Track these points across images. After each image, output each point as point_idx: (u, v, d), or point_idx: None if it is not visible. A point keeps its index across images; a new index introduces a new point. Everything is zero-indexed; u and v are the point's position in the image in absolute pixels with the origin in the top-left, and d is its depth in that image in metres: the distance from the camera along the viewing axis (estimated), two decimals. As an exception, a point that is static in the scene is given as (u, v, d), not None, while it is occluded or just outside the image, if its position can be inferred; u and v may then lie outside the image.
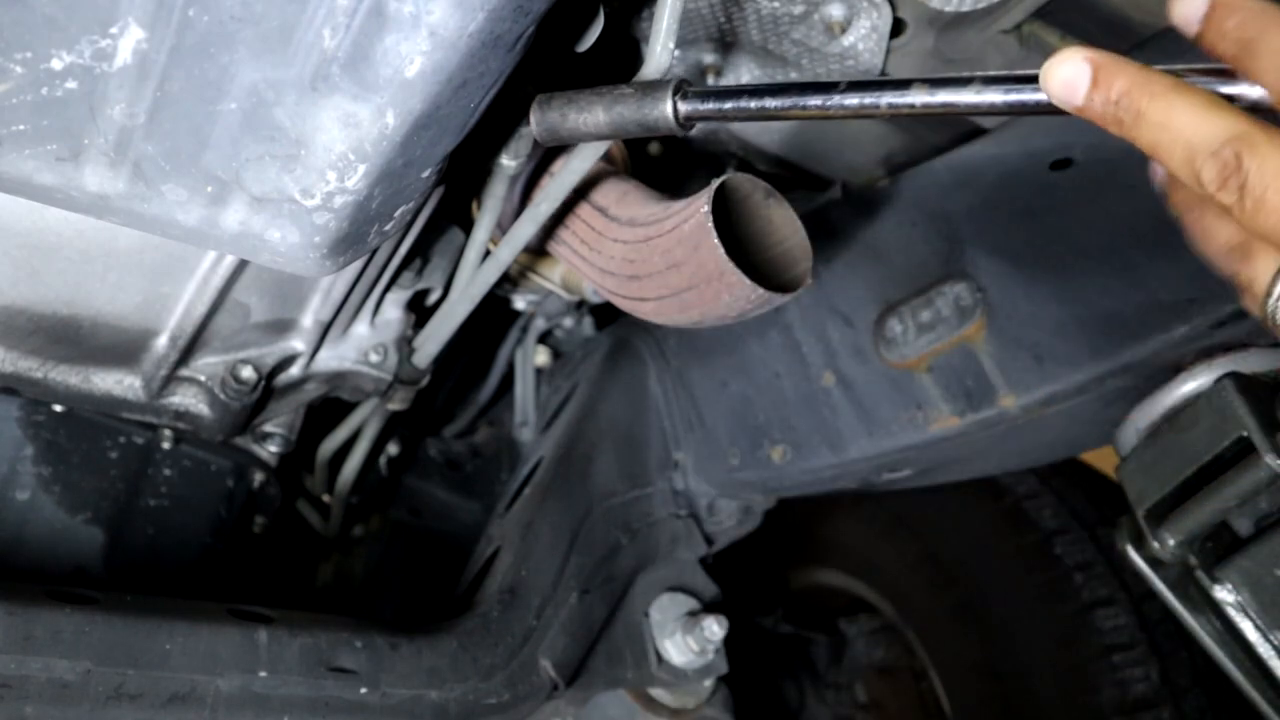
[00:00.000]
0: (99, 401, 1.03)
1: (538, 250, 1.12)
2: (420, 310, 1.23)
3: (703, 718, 1.26)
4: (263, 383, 1.07)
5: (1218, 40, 0.51)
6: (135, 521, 1.10)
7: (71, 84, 0.65)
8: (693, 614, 1.24)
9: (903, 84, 0.64)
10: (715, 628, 1.19)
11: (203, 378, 1.07)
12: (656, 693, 1.23)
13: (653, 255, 0.87)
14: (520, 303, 1.51)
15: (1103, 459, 1.37)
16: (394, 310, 1.19)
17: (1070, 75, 0.53)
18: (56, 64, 0.64)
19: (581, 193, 1.00)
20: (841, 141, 1.34)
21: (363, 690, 0.93)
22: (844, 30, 1.01)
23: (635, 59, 1.13)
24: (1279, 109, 0.49)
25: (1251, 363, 0.98)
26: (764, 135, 1.33)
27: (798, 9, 1.01)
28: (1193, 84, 0.50)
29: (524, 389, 1.76)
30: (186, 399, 1.07)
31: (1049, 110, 0.56)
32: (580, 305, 1.70)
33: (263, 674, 0.88)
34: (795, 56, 1.07)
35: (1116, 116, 0.52)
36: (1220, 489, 0.89)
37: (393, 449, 1.71)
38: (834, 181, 1.40)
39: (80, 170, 0.70)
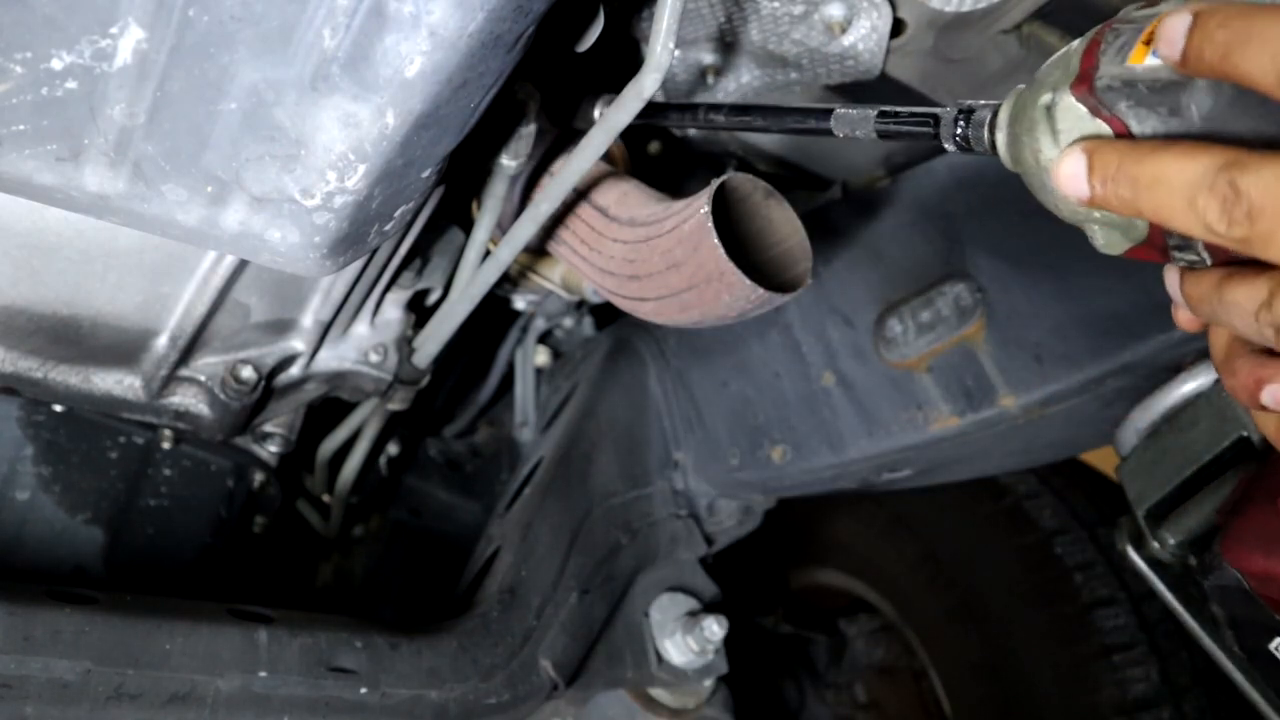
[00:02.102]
0: (99, 401, 1.03)
1: (538, 250, 1.12)
2: (420, 310, 1.23)
3: (703, 718, 1.26)
4: (263, 383, 1.07)
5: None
6: (135, 521, 1.10)
7: (71, 84, 0.65)
8: (693, 614, 1.24)
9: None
10: (715, 628, 1.19)
11: (203, 378, 1.07)
12: (656, 693, 1.23)
13: (652, 255, 0.87)
14: (520, 303, 1.51)
15: (1103, 459, 1.37)
16: (394, 310, 1.19)
17: (1071, 169, 0.52)
18: (56, 64, 0.64)
19: (581, 193, 1.00)
20: (841, 142, 1.34)
21: (363, 690, 0.93)
22: (844, 30, 1.01)
23: (635, 59, 1.13)
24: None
25: (1251, 363, 0.98)
26: (764, 135, 1.33)
27: (798, 9, 1.01)
28: (1179, 140, 0.48)
29: (524, 389, 1.76)
30: (186, 399, 1.07)
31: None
32: (580, 305, 1.70)
33: (263, 674, 0.88)
34: (795, 56, 1.07)
35: (1119, 194, 0.50)
36: (1220, 489, 0.89)
37: (393, 449, 1.71)
38: (834, 181, 1.40)
39: (80, 170, 0.70)
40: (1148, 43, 0.50)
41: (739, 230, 0.87)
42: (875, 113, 0.71)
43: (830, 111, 0.75)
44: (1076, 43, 0.55)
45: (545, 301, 1.54)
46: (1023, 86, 0.59)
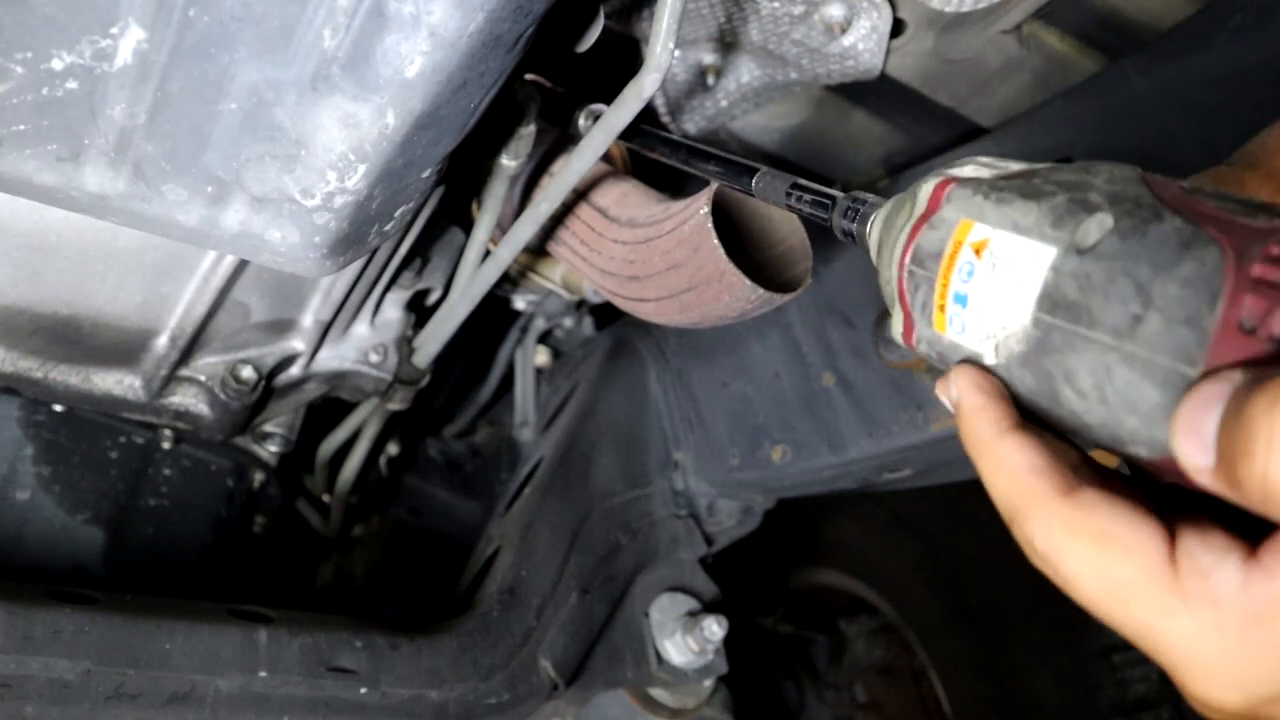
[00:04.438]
0: (99, 401, 1.03)
1: (538, 250, 1.12)
2: (420, 310, 1.23)
3: (702, 718, 1.26)
4: (263, 383, 1.07)
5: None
6: (135, 521, 1.10)
7: (72, 84, 0.65)
8: (693, 614, 1.24)
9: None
10: (715, 628, 1.19)
11: (203, 378, 1.07)
12: (656, 693, 1.23)
13: (652, 256, 0.87)
14: (520, 303, 1.51)
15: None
16: (394, 310, 1.19)
17: (951, 398, 0.51)
18: (57, 64, 0.64)
19: (581, 193, 1.00)
20: (841, 142, 1.34)
21: (363, 690, 0.93)
22: (844, 30, 1.01)
23: (635, 59, 1.14)
24: None
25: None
26: (764, 136, 1.33)
27: (798, 9, 1.01)
28: (1027, 426, 0.46)
29: (524, 389, 1.76)
30: (186, 399, 1.07)
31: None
32: (580, 305, 1.70)
33: (263, 674, 0.88)
34: (795, 57, 1.07)
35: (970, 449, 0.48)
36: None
37: (393, 449, 1.71)
38: (834, 181, 1.40)
39: (80, 170, 0.70)
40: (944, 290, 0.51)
41: (739, 231, 0.87)
42: (789, 184, 0.71)
43: (757, 170, 0.76)
44: (924, 188, 0.54)
45: (545, 301, 1.54)
46: (891, 203, 0.59)
